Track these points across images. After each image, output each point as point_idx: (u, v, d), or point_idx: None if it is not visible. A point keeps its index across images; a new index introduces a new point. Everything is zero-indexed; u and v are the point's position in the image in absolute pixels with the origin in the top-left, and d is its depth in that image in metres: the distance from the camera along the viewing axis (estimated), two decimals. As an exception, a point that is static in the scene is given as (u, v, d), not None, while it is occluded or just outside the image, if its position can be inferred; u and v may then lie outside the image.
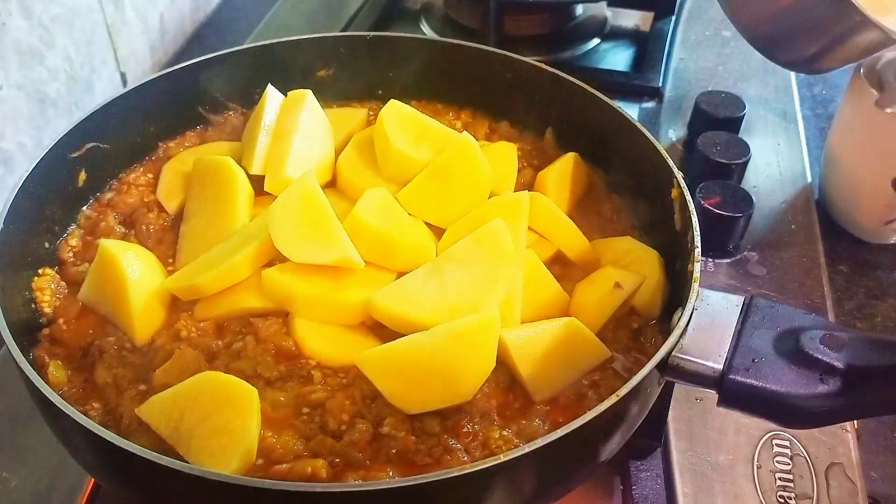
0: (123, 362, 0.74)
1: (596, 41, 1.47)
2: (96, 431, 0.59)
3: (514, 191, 0.89)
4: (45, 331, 0.78)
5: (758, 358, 0.67)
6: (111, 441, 0.59)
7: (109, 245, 0.78)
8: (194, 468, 0.58)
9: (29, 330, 0.77)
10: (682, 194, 0.79)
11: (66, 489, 0.85)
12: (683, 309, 0.69)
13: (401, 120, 0.89)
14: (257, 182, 0.87)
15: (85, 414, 0.67)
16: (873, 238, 1.17)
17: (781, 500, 0.82)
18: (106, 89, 1.33)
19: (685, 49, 1.49)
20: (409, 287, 0.76)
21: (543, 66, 0.97)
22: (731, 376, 0.66)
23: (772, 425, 0.86)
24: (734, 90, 1.30)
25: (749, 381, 0.66)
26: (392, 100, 0.90)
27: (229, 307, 0.77)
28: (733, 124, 1.23)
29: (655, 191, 0.85)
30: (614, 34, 1.49)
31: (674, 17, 1.50)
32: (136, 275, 0.77)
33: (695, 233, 0.75)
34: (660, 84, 1.36)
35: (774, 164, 1.25)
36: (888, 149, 1.08)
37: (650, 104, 1.35)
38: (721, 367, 0.67)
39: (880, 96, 1.02)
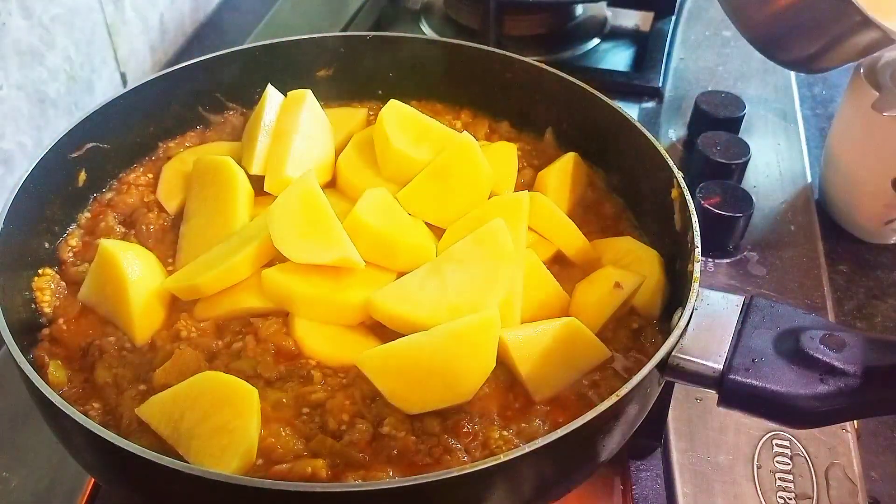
0: (123, 362, 0.74)
1: (596, 41, 1.47)
2: (96, 431, 0.59)
3: (514, 191, 0.89)
4: (45, 331, 0.78)
5: (758, 358, 0.67)
6: (111, 441, 0.59)
7: (109, 245, 0.78)
8: (194, 468, 0.58)
9: (29, 330, 0.77)
10: (682, 194, 0.79)
11: (66, 489, 0.85)
12: (683, 309, 0.69)
13: (401, 120, 0.89)
14: (257, 182, 0.87)
15: (85, 414, 0.67)
16: (873, 238, 1.17)
17: (781, 500, 0.82)
18: (106, 89, 1.33)
19: (685, 49, 1.49)
20: (409, 287, 0.76)
21: (543, 66, 0.97)
22: (731, 376, 0.66)
23: (772, 425, 0.86)
24: (734, 90, 1.30)
25: (749, 381, 0.66)
26: (392, 100, 0.90)
27: (229, 307, 0.77)
28: (733, 124, 1.23)
29: (655, 191, 0.85)
30: (614, 34, 1.50)
31: (674, 17, 1.50)
32: (136, 275, 0.77)
33: (695, 233, 0.75)
34: (660, 84, 1.36)
35: (774, 164, 1.25)
36: (888, 149, 1.08)
37: (650, 104, 1.35)
38: (721, 367, 0.67)
39: (877, 99, 1.02)
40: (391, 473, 0.66)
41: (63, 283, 0.82)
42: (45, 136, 1.19)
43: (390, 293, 0.75)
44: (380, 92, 1.05)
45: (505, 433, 0.69)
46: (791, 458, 0.86)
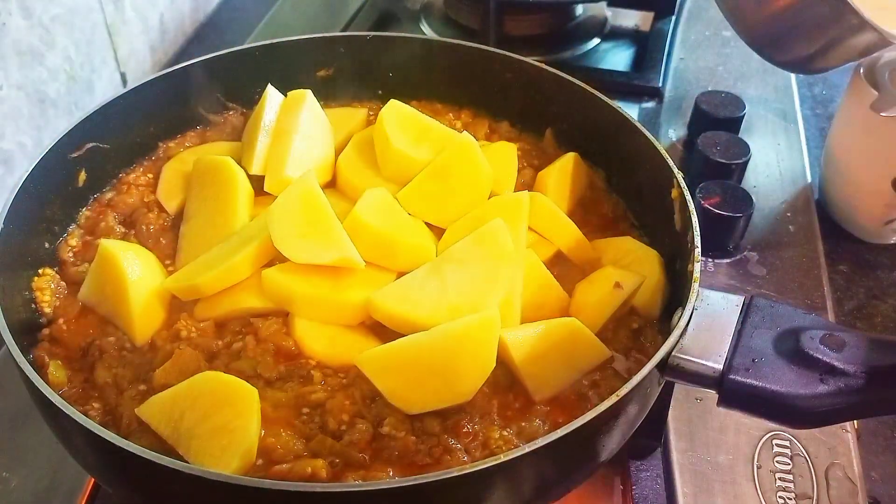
0: (123, 362, 0.74)
1: (596, 41, 1.47)
2: (96, 431, 0.59)
3: (514, 191, 0.89)
4: (45, 331, 0.78)
5: (758, 358, 0.67)
6: (111, 441, 0.59)
7: (109, 245, 0.78)
8: (194, 468, 0.58)
9: (29, 330, 0.77)
10: (682, 194, 0.79)
11: (66, 489, 0.85)
12: (683, 309, 0.69)
13: (401, 120, 0.89)
14: (257, 182, 0.87)
15: (85, 414, 0.67)
16: (873, 238, 1.17)
17: (781, 500, 0.82)
18: (106, 89, 1.33)
19: (685, 49, 1.49)
20: (409, 287, 0.76)
21: (543, 66, 0.97)
22: (731, 376, 0.66)
23: (772, 425, 0.86)
24: (734, 90, 1.30)
25: (749, 381, 0.66)
26: (392, 100, 0.91)
27: (229, 307, 0.77)
28: (733, 124, 1.23)
29: (655, 191, 0.85)
30: (614, 34, 1.50)
31: (674, 17, 1.50)
32: (136, 275, 0.77)
33: (695, 233, 0.75)
34: (660, 84, 1.36)
35: (774, 164, 1.25)
36: (888, 149, 1.08)
37: (650, 104, 1.35)
38: (721, 367, 0.67)
39: (875, 100, 1.02)
40: (391, 473, 0.66)
41: (63, 283, 0.82)
42: (45, 136, 1.19)
43: (390, 293, 0.75)
44: (380, 92, 1.05)
45: (505, 433, 0.69)
46: (791, 458, 0.86)
